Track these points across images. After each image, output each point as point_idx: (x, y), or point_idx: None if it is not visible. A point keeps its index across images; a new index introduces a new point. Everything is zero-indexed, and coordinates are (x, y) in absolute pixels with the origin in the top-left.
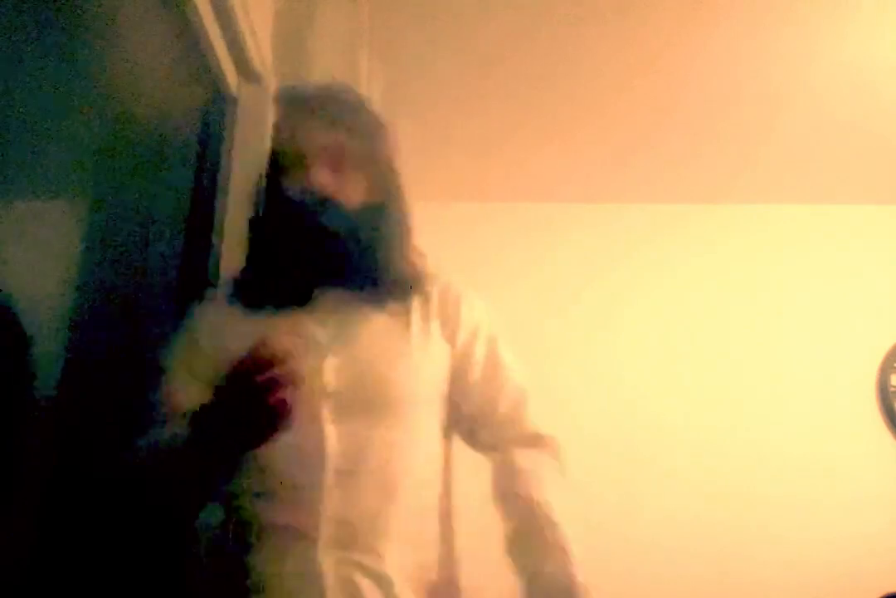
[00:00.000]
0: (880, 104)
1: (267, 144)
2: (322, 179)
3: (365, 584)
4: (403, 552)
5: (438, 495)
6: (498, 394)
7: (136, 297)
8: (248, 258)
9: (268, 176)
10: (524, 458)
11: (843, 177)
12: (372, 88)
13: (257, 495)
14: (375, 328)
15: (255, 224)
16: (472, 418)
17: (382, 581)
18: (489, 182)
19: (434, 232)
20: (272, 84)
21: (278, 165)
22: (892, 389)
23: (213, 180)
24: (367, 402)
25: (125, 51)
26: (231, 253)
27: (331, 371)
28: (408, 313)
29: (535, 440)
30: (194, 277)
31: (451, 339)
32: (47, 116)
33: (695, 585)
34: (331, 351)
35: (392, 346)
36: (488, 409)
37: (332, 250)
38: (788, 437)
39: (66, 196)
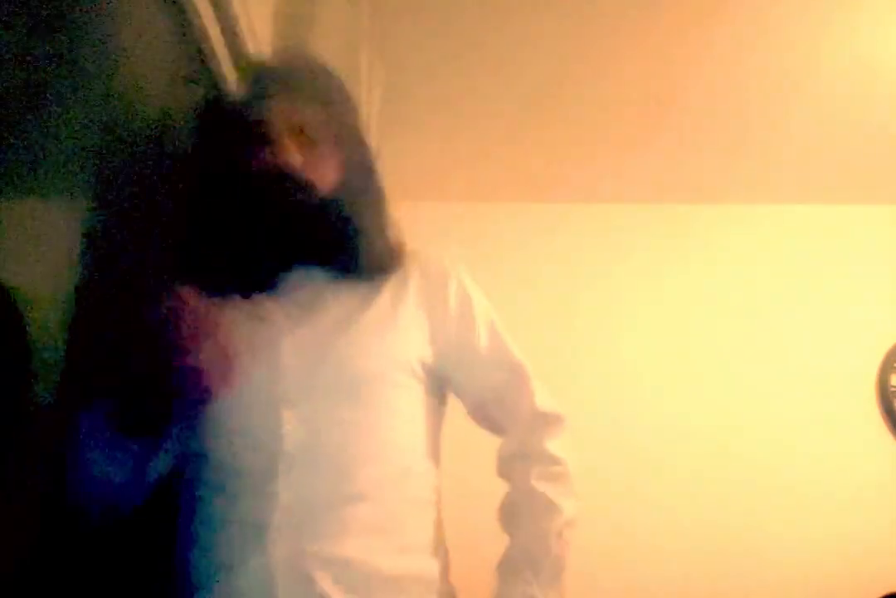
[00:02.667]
0: (884, 103)
1: None
2: (290, 154)
3: (319, 571)
4: (371, 537)
5: (423, 481)
6: (505, 370)
7: (135, 299)
8: (194, 242)
9: (222, 154)
10: (536, 441)
11: (843, 177)
12: (372, 88)
13: (215, 487)
14: (342, 308)
15: (200, 205)
16: (481, 395)
17: (347, 568)
18: (489, 182)
19: (434, 232)
20: None
21: (237, 142)
22: (892, 389)
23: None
24: (328, 382)
25: (125, 50)
26: None
27: (289, 351)
28: (379, 291)
29: (543, 420)
30: None
31: (439, 315)
32: (47, 116)
33: (695, 584)
34: (289, 331)
35: (358, 324)
36: (498, 386)
37: (302, 232)
38: (788, 436)
39: (66, 196)
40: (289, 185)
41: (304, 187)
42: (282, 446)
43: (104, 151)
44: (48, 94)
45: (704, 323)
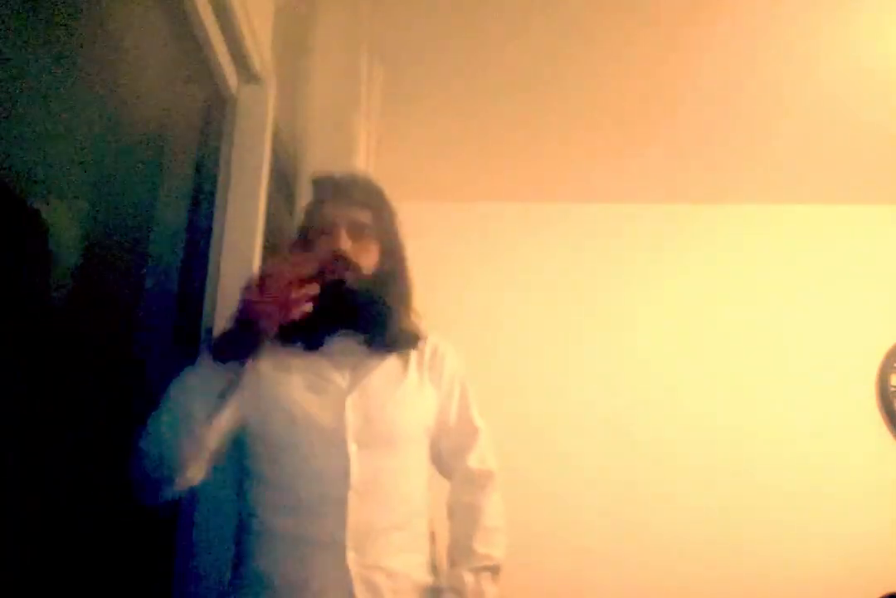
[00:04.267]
0: (883, 103)
1: (267, 144)
2: (346, 244)
3: (382, 581)
4: (408, 556)
5: (427, 516)
6: (462, 433)
7: (137, 296)
8: None
9: (296, 243)
10: (470, 493)
11: (843, 177)
12: (372, 88)
13: (281, 509)
14: (383, 375)
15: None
16: (443, 450)
17: (397, 579)
18: (489, 182)
19: (434, 232)
20: (272, 84)
21: (306, 234)
22: (892, 389)
23: (213, 180)
24: (379, 435)
25: (125, 51)
26: (231, 252)
27: (350, 409)
28: (407, 363)
29: (479, 473)
30: (194, 277)
31: (437, 387)
32: (47, 116)
33: (695, 584)
34: (349, 393)
35: (396, 390)
36: (454, 445)
37: (350, 302)
38: (789, 437)
39: (66, 196)
40: (340, 263)
41: (352, 266)
42: (350, 481)
43: (104, 151)
44: (49, 95)
45: (704, 323)
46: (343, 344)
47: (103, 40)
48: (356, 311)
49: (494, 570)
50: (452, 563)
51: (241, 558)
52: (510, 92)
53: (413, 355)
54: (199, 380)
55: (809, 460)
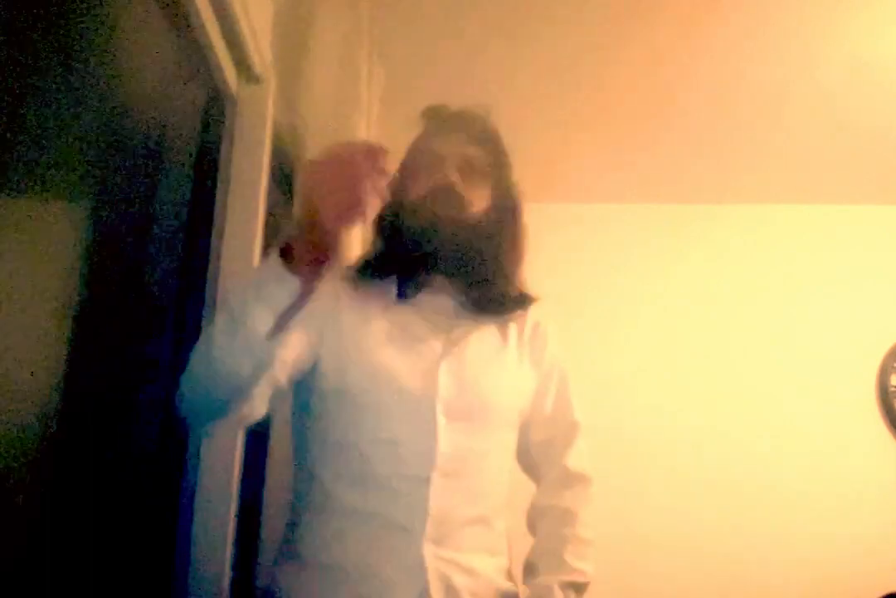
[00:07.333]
0: (883, 104)
1: (267, 144)
2: (454, 176)
3: (459, 580)
4: (488, 556)
5: (505, 510)
6: (559, 427)
7: (137, 297)
8: (377, 243)
9: (398, 177)
10: (565, 497)
11: (843, 177)
12: (372, 88)
13: (350, 479)
14: (481, 342)
15: (383, 217)
16: (533, 443)
17: (476, 580)
18: None
19: None
20: (272, 84)
21: (414, 168)
22: (892, 389)
23: (213, 180)
24: (472, 409)
25: (125, 51)
26: (231, 252)
27: (445, 376)
28: (506, 334)
29: (577, 476)
30: (194, 278)
31: (536, 369)
32: (47, 116)
33: (696, 584)
34: (444, 357)
35: (495, 362)
36: (548, 438)
37: (453, 248)
38: (788, 437)
39: (66, 196)
40: (450, 196)
41: (461, 201)
42: (435, 458)
43: (104, 151)
44: (48, 94)
45: (704, 324)
46: (436, 298)
47: (103, 40)
48: (459, 259)
49: (582, 588)
50: (536, 571)
51: (295, 530)
52: (509, 93)
53: (513, 326)
54: (256, 288)
55: (809, 460)
